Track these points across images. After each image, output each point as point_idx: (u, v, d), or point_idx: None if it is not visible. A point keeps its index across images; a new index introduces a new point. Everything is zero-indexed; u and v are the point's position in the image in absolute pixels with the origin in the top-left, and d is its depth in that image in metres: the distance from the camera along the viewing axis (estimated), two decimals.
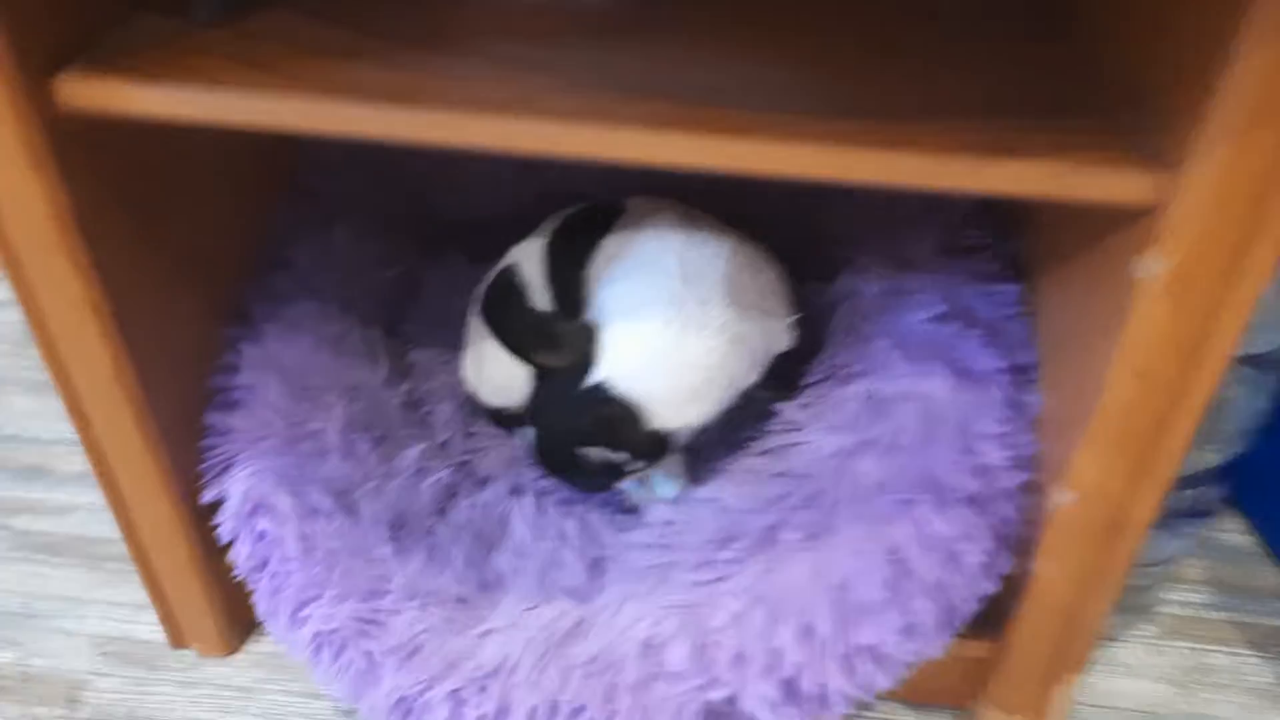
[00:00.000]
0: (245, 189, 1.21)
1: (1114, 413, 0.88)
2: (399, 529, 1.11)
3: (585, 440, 1.06)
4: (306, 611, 1.04)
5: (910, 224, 1.17)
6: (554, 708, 0.99)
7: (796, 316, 1.15)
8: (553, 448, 1.10)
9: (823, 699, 0.99)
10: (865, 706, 1.22)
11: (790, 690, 0.98)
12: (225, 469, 1.11)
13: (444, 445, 1.22)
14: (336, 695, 1.06)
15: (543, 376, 1.15)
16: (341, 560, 1.05)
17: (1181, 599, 1.36)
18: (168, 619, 1.24)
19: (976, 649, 1.12)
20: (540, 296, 1.24)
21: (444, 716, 1.01)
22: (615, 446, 1.05)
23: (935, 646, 1.01)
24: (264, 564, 1.07)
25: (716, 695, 0.98)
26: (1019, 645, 1.08)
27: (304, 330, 1.17)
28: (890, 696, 1.22)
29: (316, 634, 1.04)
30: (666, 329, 1.03)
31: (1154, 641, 1.31)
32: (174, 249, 1.06)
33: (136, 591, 1.28)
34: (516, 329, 1.18)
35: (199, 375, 1.13)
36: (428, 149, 0.81)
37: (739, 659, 0.97)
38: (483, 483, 1.21)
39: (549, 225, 1.27)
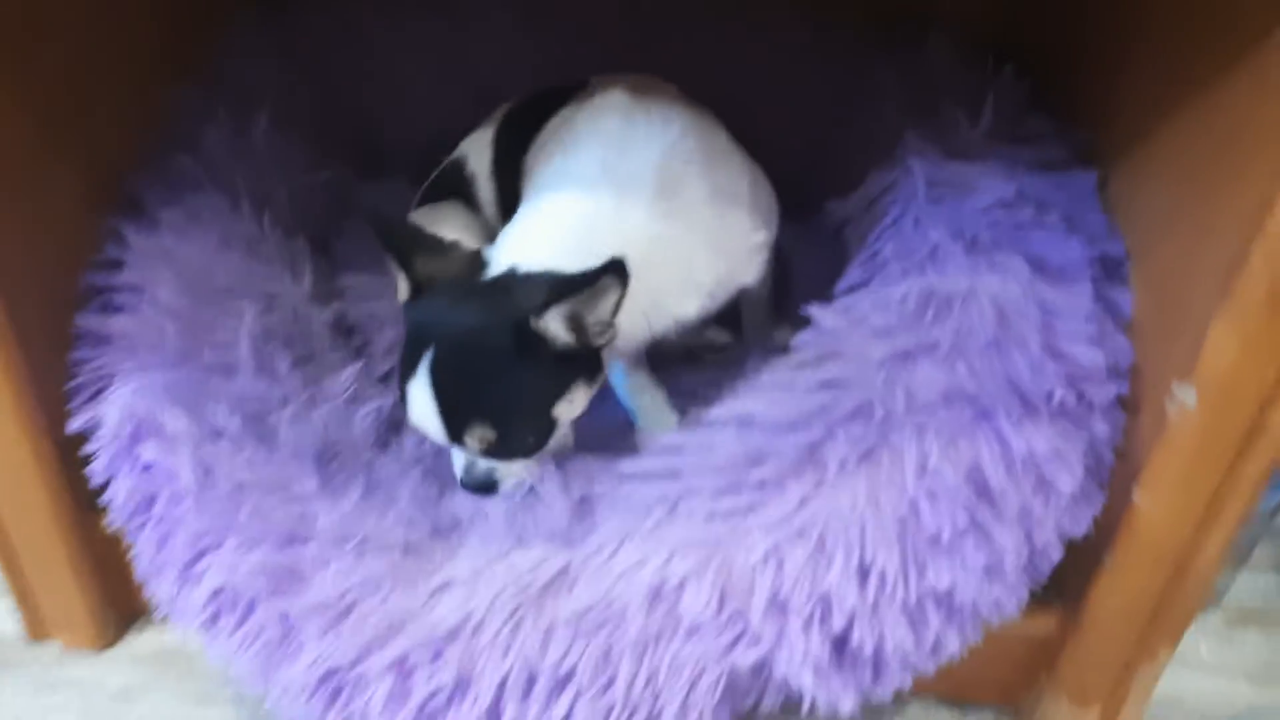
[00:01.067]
0: (140, 53, 0.98)
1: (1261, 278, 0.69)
2: (327, 462, 0.87)
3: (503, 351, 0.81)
4: (203, 563, 0.80)
5: (960, 111, 0.98)
6: (531, 677, 0.76)
7: (765, 239, 0.97)
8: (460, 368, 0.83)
9: (878, 663, 0.77)
10: (899, 700, 1.00)
11: (840, 649, 0.76)
12: (101, 389, 0.86)
13: (384, 378, 0.98)
14: (239, 676, 0.81)
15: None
16: (251, 496, 0.81)
17: (1249, 585, 1.16)
18: (24, 601, 0.98)
19: (1039, 623, 0.91)
20: (485, 189, 1.08)
21: (384, 693, 0.76)
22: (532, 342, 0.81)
23: (1013, 600, 0.80)
24: (149, 504, 0.83)
25: (747, 656, 0.75)
26: (1101, 612, 0.87)
27: (209, 225, 0.94)
28: (925, 689, 1.00)
29: (216, 591, 0.79)
30: (575, 220, 0.86)
31: (1222, 631, 1.10)
32: (45, 100, 0.83)
33: None
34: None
35: (70, 272, 0.89)
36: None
37: (776, 606, 0.75)
38: None
39: (500, 111, 1.10)
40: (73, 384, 0.87)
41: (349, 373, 0.92)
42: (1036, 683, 0.93)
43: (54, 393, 0.87)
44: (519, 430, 0.84)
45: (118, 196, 0.93)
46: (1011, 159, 0.93)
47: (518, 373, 0.81)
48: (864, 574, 0.75)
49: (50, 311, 0.86)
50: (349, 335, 1.01)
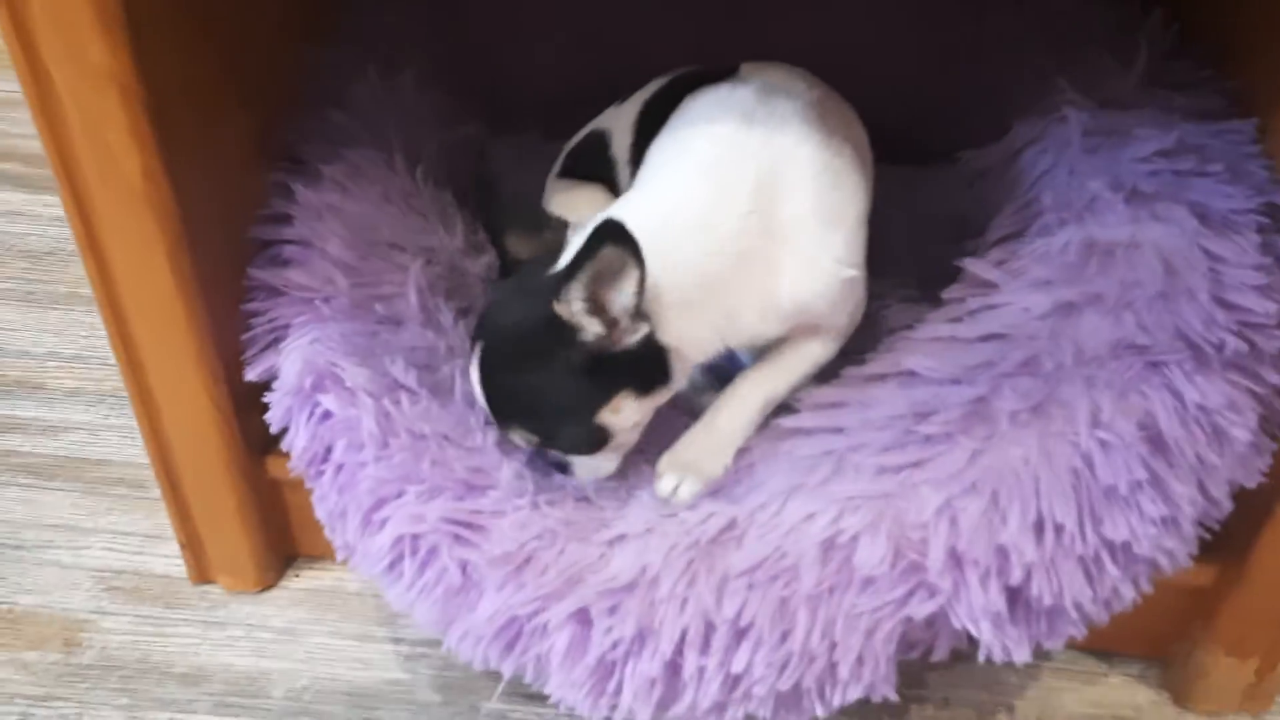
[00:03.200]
0: (291, 16, 0.99)
1: None
2: None
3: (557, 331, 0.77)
4: (385, 512, 0.82)
5: (1110, 57, 0.96)
6: (709, 627, 0.78)
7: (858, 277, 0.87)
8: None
9: (1053, 614, 0.78)
10: (1041, 655, 1.01)
11: (1016, 601, 0.77)
12: (275, 340, 0.89)
13: None
14: (418, 620, 0.83)
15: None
16: (431, 448, 0.83)
17: None
18: (191, 544, 1.02)
19: (1198, 575, 0.91)
20: (624, 172, 1.03)
21: (564, 644, 0.78)
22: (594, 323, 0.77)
23: (1185, 551, 0.80)
24: (327, 453, 0.85)
25: (922, 608, 0.77)
26: (1268, 564, 0.87)
27: (370, 180, 0.95)
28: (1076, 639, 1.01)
29: (398, 540, 0.81)
30: (660, 217, 0.80)
31: None
32: (219, 58, 0.84)
33: (146, 520, 1.09)
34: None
35: (241, 226, 0.91)
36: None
37: (953, 559, 0.76)
38: None
39: (648, 89, 1.06)
40: (249, 335, 0.89)
41: None
42: (1189, 634, 0.94)
43: (230, 342, 0.89)
44: (563, 434, 0.82)
45: (278, 151, 0.94)
46: (1167, 106, 0.91)
47: (552, 375, 0.78)
48: (1040, 527, 0.76)
49: (226, 263, 0.88)
50: None
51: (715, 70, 0.95)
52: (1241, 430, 0.78)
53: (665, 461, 0.87)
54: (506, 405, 0.82)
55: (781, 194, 0.82)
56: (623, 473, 0.88)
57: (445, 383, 0.87)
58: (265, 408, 0.89)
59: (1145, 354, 0.79)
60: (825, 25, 1.19)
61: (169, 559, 1.06)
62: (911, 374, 0.84)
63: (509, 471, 0.84)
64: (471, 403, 0.86)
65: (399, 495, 0.82)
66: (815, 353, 0.90)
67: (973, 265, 0.89)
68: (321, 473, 0.85)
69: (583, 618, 0.79)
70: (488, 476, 0.83)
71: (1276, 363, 0.80)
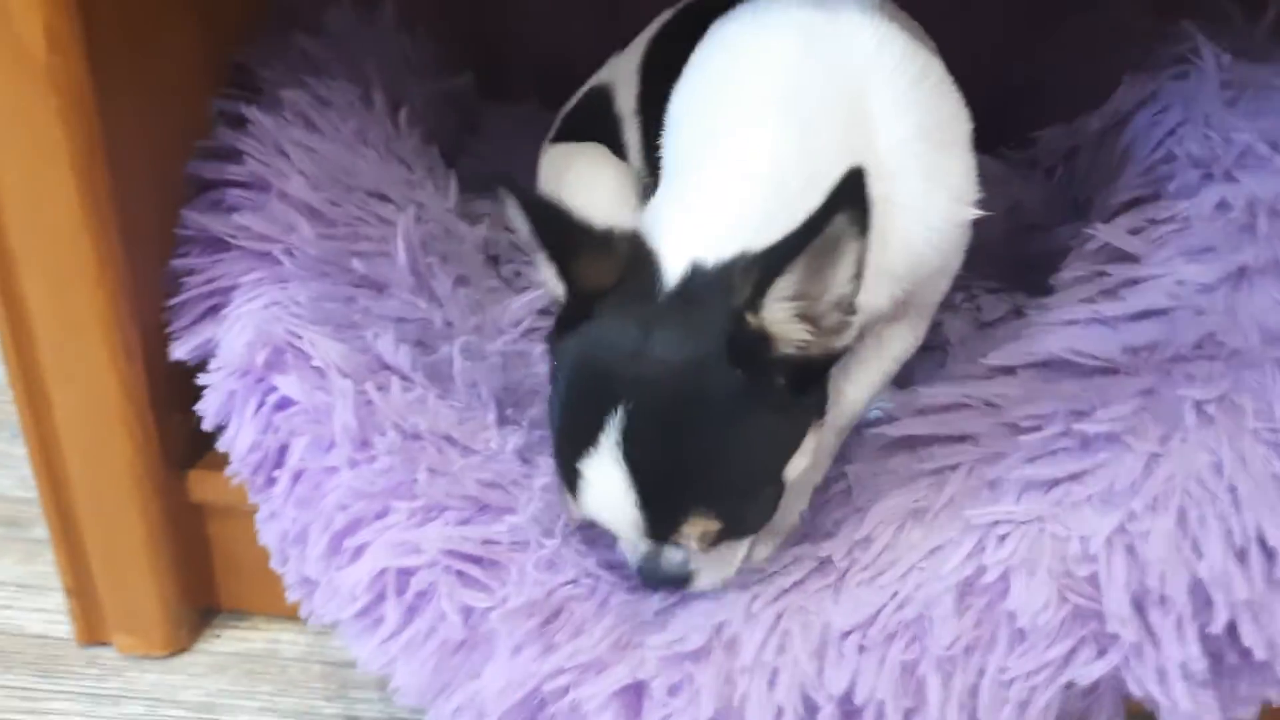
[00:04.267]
0: None
1: None
2: (514, 408, 0.67)
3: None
4: (362, 536, 0.61)
5: (1232, 8, 0.83)
6: (810, 705, 0.57)
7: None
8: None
9: (1258, 671, 0.59)
10: None
11: (1214, 651, 0.58)
12: (215, 307, 0.67)
13: (544, 312, 0.79)
14: (398, 686, 0.62)
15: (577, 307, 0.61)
16: (428, 452, 0.62)
17: None
18: (80, 590, 0.81)
19: None
20: (631, 130, 0.85)
21: None
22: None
23: None
24: (282, 455, 0.63)
25: (1090, 670, 0.58)
26: None
27: (342, 114, 0.75)
28: None
29: (378, 575, 0.60)
30: (758, 178, 0.60)
31: None
32: None
33: (19, 566, 0.90)
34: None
35: (176, 161, 0.69)
36: None
37: (1136, 599, 0.57)
38: None
39: (653, 27, 0.88)
40: (179, 299, 0.67)
41: (521, 303, 0.73)
42: None
43: (152, 308, 0.68)
44: (752, 511, 0.60)
45: (230, 76, 0.74)
46: None
47: (748, 422, 0.57)
48: (1243, 555, 0.58)
49: (154, 205, 0.68)
50: (497, 263, 0.82)
51: None
52: None
53: None
54: (682, 487, 0.57)
55: (877, 119, 0.63)
56: None
57: (444, 366, 0.67)
58: (193, 400, 0.67)
59: None
60: None
61: (48, 614, 0.83)
62: (1050, 363, 0.66)
63: (536, 488, 0.63)
64: (479, 394, 0.65)
65: (382, 515, 0.61)
66: (899, 343, 0.71)
67: (1106, 233, 0.71)
68: (273, 481, 0.64)
69: (634, 695, 0.59)
70: (506, 495, 0.63)
71: None
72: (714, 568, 0.61)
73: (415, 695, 0.63)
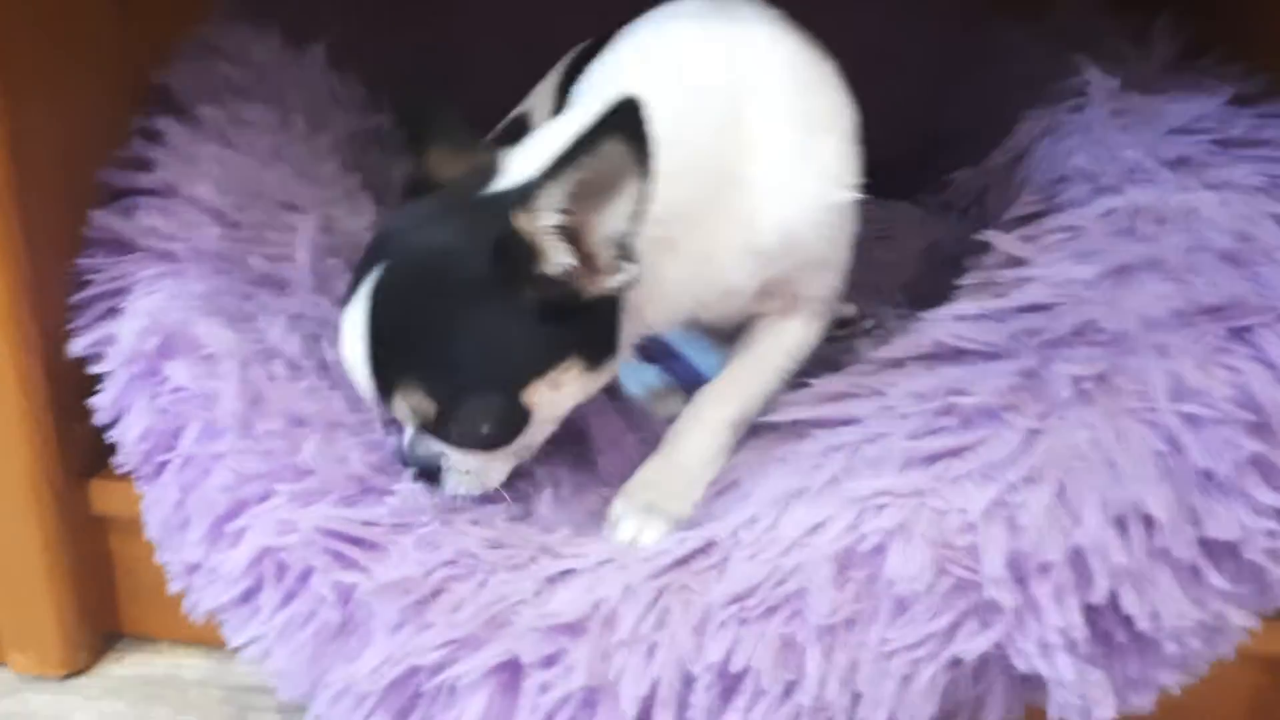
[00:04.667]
0: None
1: None
2: None
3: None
4: (246, 517, 0.61)
5: (1126, 46, 0.88)
6: (687, 680, 0.57)
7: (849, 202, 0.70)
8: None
9: (1145, 650, 0.59)
10: None
11: (1098, 628, 0.58)
12: (115, 308, 0.68)
13: None
14: (277, 673, 0.61)
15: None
16: (314, 437, 0.62)
17: None
18: None
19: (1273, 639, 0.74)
20: None
21: (481, 708, 0.58)
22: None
23: None
24: (173, 439, 0.63)
25: (974, 644, 0.57)
26: None
27: (258, 131, 0.77)
28: None
29: (258, 555, 0.60)
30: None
31: None
32: None
33: None
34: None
35: (86, 168, 0.72)
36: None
37: (1015, 570, 0.57)
38: None
39: (566, 57, 0.94)
40: (81, 294, 0.68)
41: None
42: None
43: (54, 305, 0.69)
44: (468, 407, 0.60)
45: (148, 94, 0.76)
46: (1196, 86, 0.81)
47: (487, 317, 0.58)
48: (1123, 523, 0.58)
49: (60, 207, 0.69)
50: None
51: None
52: None
53: (621, 503, 0.67)
54: (404, 356, 0.59)
55: (756, 98, 0.66)
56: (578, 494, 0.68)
57: (339, 362, 0.67)
58: (91, 408, 0.68)
59: (1225, 319, 0.64)
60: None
61: None
62: (936, 353, 0.67)
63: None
64: None
65: (264, 498, 0.61)
66: (793, 338, 0.73)
67: (997, 238, 0.74)
68: (163, 466, 0.63)
69: (509, 671, 0.59)
70: (390, 479, 0.63)
71: None
72: (465, 470, 0.62)
73: (295, 683, 0.61)
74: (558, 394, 0.61)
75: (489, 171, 0.62)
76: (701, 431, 0.70)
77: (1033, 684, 0.61)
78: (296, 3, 0.93)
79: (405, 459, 0.63)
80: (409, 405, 0.59)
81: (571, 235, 0.57)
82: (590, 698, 0.57)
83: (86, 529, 0.76)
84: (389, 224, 0.62)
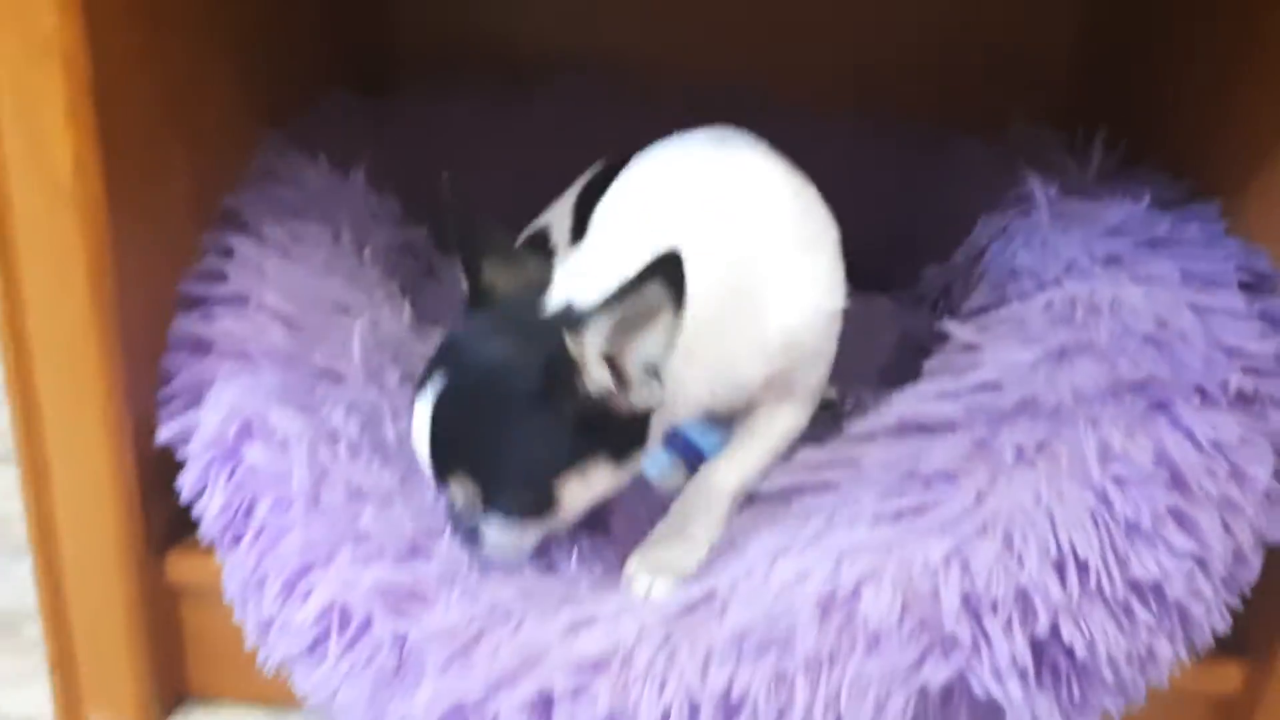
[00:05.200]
0: (243, 92, 0.97)
1: None
2: None
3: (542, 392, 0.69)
4: (313, 577, 0.70)
5: (1067, 160, 1.00)
6: (695, 707, 0.66)
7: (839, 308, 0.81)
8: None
9: (1085, 676, 0.69)
10: None
11: (1043, 657, 0.68)
12: (196, 401, 0.79)
13: None
14: (341, 709, 0.70)
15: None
16: (370, 504, 0.73)
17: None
18: (63, 664, 0.86)
19: (1222, 677, 0.84)
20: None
21: None
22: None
23: (1218, 612, 0.72)
24: (248, 513, 0.74)
25: (939, 673, 0.67)
26: None
27: (313, 247, 0.89)
28: None
29: (325, 610, 0.70)
30: (640, 250, 0.66)
31: None
32: (166, 89, 0.81)
33: (5, 661, 0.92)
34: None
35: (170, 280, 0.83)
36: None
37: (969, 607, 0.67)
38: None
39: (584, 176, 1.05)
40: (167, 389, 0.79)
41: None
42: None
43: (144, 400, 0.79)
44: (506, 496, 0.70)
45: (219, 215, 0.89)
46: (1128, 194, 0.92)
47: (531, 424, 0.68)
48: (1060, 566, 0.68)
49: (150, 313, 0.80)
50: None
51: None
52: (1260, 469, 0.73)
53: (635, 562, 0.77)
54: (458, 448, 0.70)
55: (764, 228, 0.78)
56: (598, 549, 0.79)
57: (389, 444, 0.78)
58: (173, 493, 0.78)
59: (1148, 394, 0.75)
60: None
61: (33, 703, 0.89)
62: (901, 426, 0.78)
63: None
64: (417, 465, 0.77)
65: (330, 559, 0.71)
66: (786, 422, 0.83)
67: (954, 329, 0.85)
68: (239, 538, 0.73)
69: (542, 703, 0.67)
70: (435, 541, 0.73)
71: None
72: (500, 538, 0.73)
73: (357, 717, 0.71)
74: (586, 485, 0.72)
75: (542, 286, 0.73)
76: (707, 502, 0.81)
77: (994, 713, 0.71)
78: (338, 132, 1.06)
79: (453, 526, 0.74)
80: (459, 489, 0.70)
81: (611, 360, 0.68)
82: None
83: (163, 596, 0.85)
84: (454, 335, 0.73)
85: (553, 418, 0.69)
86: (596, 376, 0.68)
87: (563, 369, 0.68)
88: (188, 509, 0.78)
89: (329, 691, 0.70)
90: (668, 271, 0.64)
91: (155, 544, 0.84)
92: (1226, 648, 0.81)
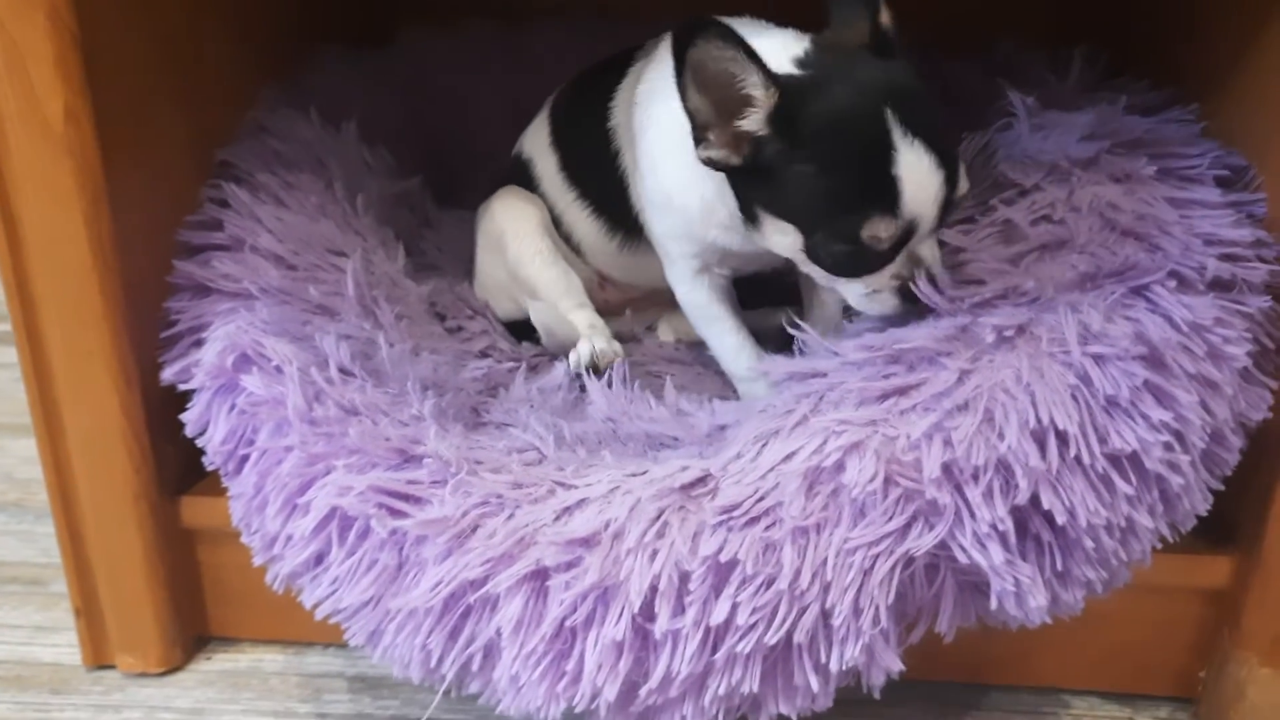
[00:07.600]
0: (240, 48, 1.00)
1: None
2: (438, 395, 0.81)
3: None
4: (312, 491, 0.73)
5: (1047, 74, 1.01)
6: (683, 578, 0.68)
7: None
8: None
9: (1067, 546, 0.70)
10: (1062, 705, 0.90)
11: (1024, 525, 0.69)
12: (198, 342, 0.82)
13: (482, 353, 0.93)
14: (349, 613, 0.73)
15: None
16: (363, 421, 0.75)
17: None
18: (89, 610, 0.89)
19: (1212, 572, 0.84)
20: (545, 163, 1.02)
21: (516, 612, 0.68)
22: None
23: (1199, 494, 0.73)
24: (250, 439, 0.76)
25: (922, 541, 0.68)
26: None
27: (306, 193, 0.92)
28: (1088, 683, 0.90)
29: (325, 518, 0.72)
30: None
31: None
32: (161, 49, 0.84)
33: (38, 613, 0.97)
34: None
35: (168, 228, 0.86)
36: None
37: (950, 475, 0.68)
38: (537, 371, 0.94)
39: (548, 101, 1.06)
40: (170, 331, 0.82)
41: (450, 338, 0.89)
42: (1218, 650, 0.85)
43: (148, 346, 0.83)
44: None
45: (212, 166, 0.92)
46: (1107, 102, 0.93)
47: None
48: (1040, 438, 0.69)
49: (149, 260, 0.83)
50: (442, 318, 0.97)
51: (612, 57, 0.97)
52: (1237, 348, 0.73)
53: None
54: (956, 157, 0.77)
55: None
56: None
57: (383, 368, 0.80)
58: (183, 440, 0.81)
59: (1126, 280, 0.76)
60: None
61: (59, 648, 0.94)
62: (884, 323, 0.79)
63: (449, 441, 0.75)
64: (408, 383, 0.79)
65: (327, 473, 0.73)
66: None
67: (943, 234, 0.86)
68: (244, 461, 0.76)
69: (537, 579, 0.69)
70: (425, 447, 0.75)
71: (1259, 294, 0.77)
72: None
73: (364, 624, 0.72)
74: None
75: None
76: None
77: (979, 590, 0.71)
78: (330, 89, 1.09)
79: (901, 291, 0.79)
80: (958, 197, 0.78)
81: None
82: (604, 594, 0.68)
83: (179, 540, 0.88)
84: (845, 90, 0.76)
85: None
86: None
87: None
88: (198, 455, 0.80)
89: (336, 600, 0.72)
90: None
91: (168, 489, 0.86)
92: (1215, 541, 0.83)
